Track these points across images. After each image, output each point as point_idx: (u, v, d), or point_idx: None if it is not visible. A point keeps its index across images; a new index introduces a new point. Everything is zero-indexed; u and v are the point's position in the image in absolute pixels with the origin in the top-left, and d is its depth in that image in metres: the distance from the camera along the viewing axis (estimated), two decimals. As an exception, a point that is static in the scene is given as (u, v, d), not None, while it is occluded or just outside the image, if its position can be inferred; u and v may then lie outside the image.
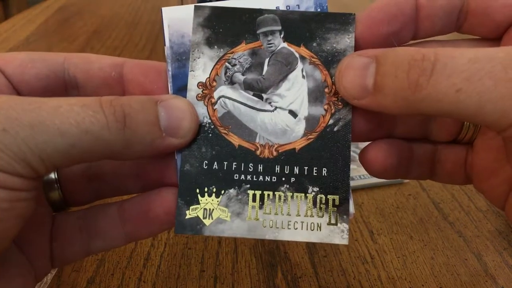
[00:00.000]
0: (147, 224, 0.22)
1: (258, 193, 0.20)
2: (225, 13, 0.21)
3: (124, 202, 0.22)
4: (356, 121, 0.21)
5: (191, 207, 0.20)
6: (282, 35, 0.21)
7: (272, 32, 0.21)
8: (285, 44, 0.21)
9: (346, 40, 0.21)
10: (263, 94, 0.21)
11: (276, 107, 0.21)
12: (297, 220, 0.20)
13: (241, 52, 0.21)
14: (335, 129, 0.21)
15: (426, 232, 0.34)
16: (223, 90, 0.21)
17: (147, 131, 0.19)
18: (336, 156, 0.21)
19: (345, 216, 0.20)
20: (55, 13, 0.89)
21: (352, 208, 0.20)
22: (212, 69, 0.21)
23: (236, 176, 0.21)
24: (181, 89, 0.21)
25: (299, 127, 0.21)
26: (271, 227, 0.20)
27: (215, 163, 0.21)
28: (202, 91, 0.21)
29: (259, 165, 0.21)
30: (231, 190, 0.20)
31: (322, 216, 0.20)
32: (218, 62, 0.21)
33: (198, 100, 0.21)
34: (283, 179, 0.21)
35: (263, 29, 0.21)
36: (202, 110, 0.21)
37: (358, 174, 0.39)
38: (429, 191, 0.39)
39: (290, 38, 0.21)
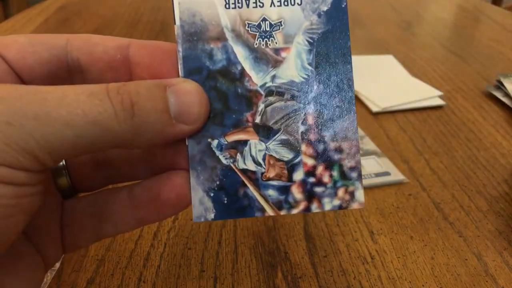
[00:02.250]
0: (158, 208, 0.21)
1: None
2: None
3: (134, 187, 0.22)
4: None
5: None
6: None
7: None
8: None
9: None
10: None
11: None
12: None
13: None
14: None
15: (426, 232, 0.34)
16: None
17: (156, 119, 0.18)
18: None
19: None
20: (55, 13, 0.89)
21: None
22: None
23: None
24: (192, 72, 0.20)
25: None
26: None
27: None
28: None
29: None
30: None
31: None
32: None
33: None
34: None
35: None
36: None
37: (358, 174, 0.39)
38: (429, 191, 0.39)
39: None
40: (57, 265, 0.30)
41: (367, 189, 0.38)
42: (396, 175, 0.40)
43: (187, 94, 0.19)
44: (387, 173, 0.40)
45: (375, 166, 0.40)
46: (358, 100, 0.54)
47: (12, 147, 0.16)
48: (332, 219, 0.35)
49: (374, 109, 0.52)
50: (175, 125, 0.19)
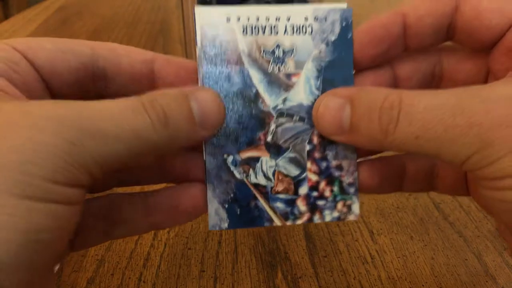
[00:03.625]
0: (174, 216, 0.22)
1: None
2: None
3: (150, 195, 0.22)
4: None
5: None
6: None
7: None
8: None
9: None
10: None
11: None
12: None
13: None
14: None
15: (427, 232, 0.34)
16: None
17: (186, 128, 0.19)
18: None
19: None
20: (55, 13, 0.89)
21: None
22: None
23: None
24: (212, 62, 0.22)
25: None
26: None
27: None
28: None
29: None
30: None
31: None
32: None
33: None
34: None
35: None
36: None
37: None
38: (429, 191, 0.39)
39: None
40: (57, 265, 0.30)
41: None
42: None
43: (208, 102, 0.20)
44: (387, 173, 0.40)
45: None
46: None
47: (74, 166, 0.16)
48: (332, 219, 0.35)
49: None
50: (199, 131, 0.20)
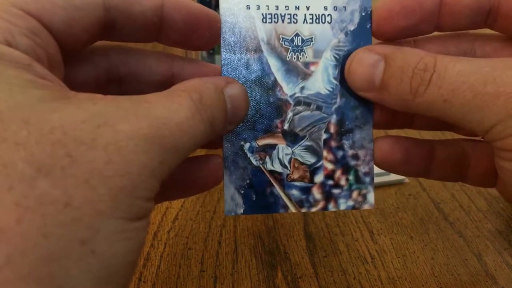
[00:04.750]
0: (192, 189, 0.23)
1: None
2: None
3: None
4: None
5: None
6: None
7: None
8: None
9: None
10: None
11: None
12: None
13: None
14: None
15: (426, 232, 0.34)
16: None
17: (222, 126, 0.20)
18: None
19: None
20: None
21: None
22: None
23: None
24: (231, 50, 0.22)
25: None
26: None
27: None
28: None
29: None
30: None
31: None
32: None
33: None
34: None
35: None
36: None
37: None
38: (429, 191, 0.39)
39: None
40: None
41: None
42: (396, 175, 0.40)
43: (239, 99, 0.20)
44: (387, 173, 0.40)
45: (375, 166, 0.40)
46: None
47: (159, 182, 0.16)
48: (332, 219, 0.35)
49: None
50: (228, 127, 0.21)
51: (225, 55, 0.22)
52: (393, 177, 0.39)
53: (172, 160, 0.17)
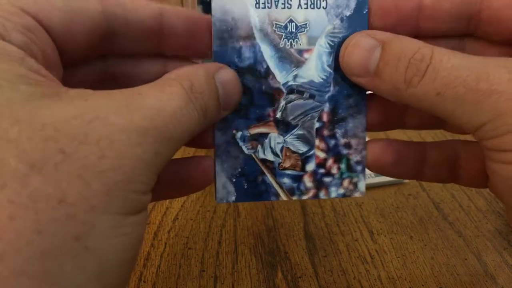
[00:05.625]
0: (184, 190, 0.22)
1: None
2: None
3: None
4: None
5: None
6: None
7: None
8: None
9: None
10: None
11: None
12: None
13: None
14: None
15: (426, 232, 0.34)
16: None
17: (216, 113, 0.20)
18: None
19: None
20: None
21: None
22: None
23: None
24: (222, 38, 0.21)
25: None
26: None
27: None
28: None
29: None
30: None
31: None
32: None
33: None
34: None
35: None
36: None
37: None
38: (429, 191, 0.39)
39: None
40: None
41: (367, 189, 0.38)
42: (396, 175, 0.40)
43: (231, 85, 0.20)
44: (387, 173, 0.40)
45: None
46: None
47: (156, 174, 0.16)
48: (332, 219, 0.35)
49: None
50: (221, 114, 0.20)
51: (216, 42, 0.21)
52: (393, 177, 0.39)
53: (167, 151, 0.16)
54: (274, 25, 0.22)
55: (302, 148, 0.23)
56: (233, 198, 0.23)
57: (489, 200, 0.38)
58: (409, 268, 0.31)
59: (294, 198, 0.23)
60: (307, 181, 0.23)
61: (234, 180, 0.23)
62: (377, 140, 0.23)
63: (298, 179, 0.23)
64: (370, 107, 0.23)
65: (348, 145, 0.23)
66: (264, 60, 0.22)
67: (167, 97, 0.17)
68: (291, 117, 0.23)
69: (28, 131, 0.14)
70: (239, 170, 0.23)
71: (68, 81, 0.18)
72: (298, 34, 0.22)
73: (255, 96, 0.22)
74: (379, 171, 0.23)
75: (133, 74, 0.22)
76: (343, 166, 0.23)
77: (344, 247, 0.32)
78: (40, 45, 0.17)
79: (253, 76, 0.22)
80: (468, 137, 0.22)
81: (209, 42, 0.21)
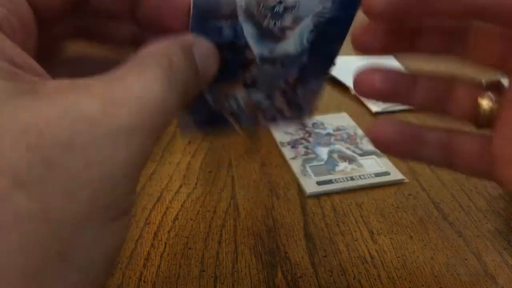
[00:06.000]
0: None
1: None
2: None
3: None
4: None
5: None
6: None
7: None
8: None
9: None
10: None
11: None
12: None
13: None
14: None
15: (426, 232, 0.34)
16: None
17: (196, 90, 0.20)
18: None
19: None
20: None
21: None
22: None
23: None
24: (203, 18, 0.20)
25: None
26: None
27: None
28: None
29: None
30: None
31: None
32: None
33: None
34: None
35: None
36: None
37: (358, 174, 0.39)
38: (429, 191, 0.39)
39: None
40: None
41: (367, 189, 0.38)
42: (396, 175, 0.40)
43: (209, 57, 0.20)
44: (386, 173, 0.40)
45: (374, 166, 0.40)
46: (358, 100, 0.54)
47: (140, 171, 0.16)
48: (332, 219, 0.35)
49: (374, 109, 0.52)
50: (199, 88, 0.20)
51: (194, 23, 0.20)
52: (393, 177, 0.39)
53: (152, 142, 0.16)
54: (262, 6, 0.21)
55: (264, 101, 0.25)
56: (194, 126, 0.25)
57: (489, 200, 0.38)
58: (409, 268, 0.31)
59: (244, 127, 0.26)
60: (262, 120, 0.26)
61: (197, 121, 0.25)
62: (385, 120, 0.23)
63: (254, 119, 0.26)
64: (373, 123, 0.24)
65: (305, 99, 0.26)
66: (244, 37, 0.21)
67: (148, 83, 0.16)
68: (260, 82, 0.24)
69: (10, 139, 0.13)
70: (204, 119, 0.25)
71: (44, 37, 0.18)
72: (285, 14, 0.21)
73: (230, 65, 0.22)
74: (383, 149, 0.24)
75: (108, 33, 0.22)
76: (295, 110, 0.26)
77: (344, 247, 0.32)
78: (21, 17, 0.16)
79: (231, 50, 0.21)
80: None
81: (185, 14, 0.20)
